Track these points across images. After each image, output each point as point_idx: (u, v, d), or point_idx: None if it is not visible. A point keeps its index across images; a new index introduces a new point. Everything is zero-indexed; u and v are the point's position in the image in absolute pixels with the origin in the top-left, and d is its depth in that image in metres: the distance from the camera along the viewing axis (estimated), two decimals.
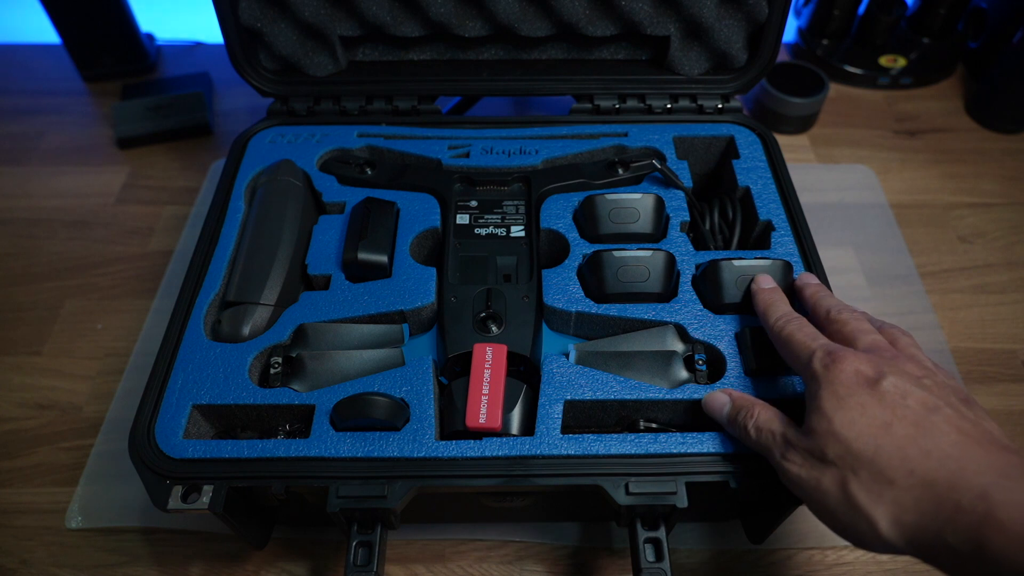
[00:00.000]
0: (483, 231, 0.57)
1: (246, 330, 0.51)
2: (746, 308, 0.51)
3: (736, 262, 0.52)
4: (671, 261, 0.53)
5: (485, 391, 0.46)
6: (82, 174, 0.81)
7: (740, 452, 0.45)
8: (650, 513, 0.44)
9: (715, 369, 0.50)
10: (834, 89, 0.91)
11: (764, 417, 0.42)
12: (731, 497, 0.44)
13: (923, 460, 0.34)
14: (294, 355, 0.50)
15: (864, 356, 0.39)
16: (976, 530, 0.31)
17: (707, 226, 0.60)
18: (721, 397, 0.45)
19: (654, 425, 0.49)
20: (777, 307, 0.47)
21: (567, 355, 0.50)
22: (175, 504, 0.43)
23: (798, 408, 0.47)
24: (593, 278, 0.53)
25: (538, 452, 0.45)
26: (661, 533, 0.44)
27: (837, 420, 0.37)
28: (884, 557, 0.54)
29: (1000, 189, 0.81)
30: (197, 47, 0.98)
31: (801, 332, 0.43)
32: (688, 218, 0.58)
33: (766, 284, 0.50)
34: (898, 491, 0.34)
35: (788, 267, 0.52)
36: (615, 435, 0.45)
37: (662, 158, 0.61)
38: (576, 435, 0.45)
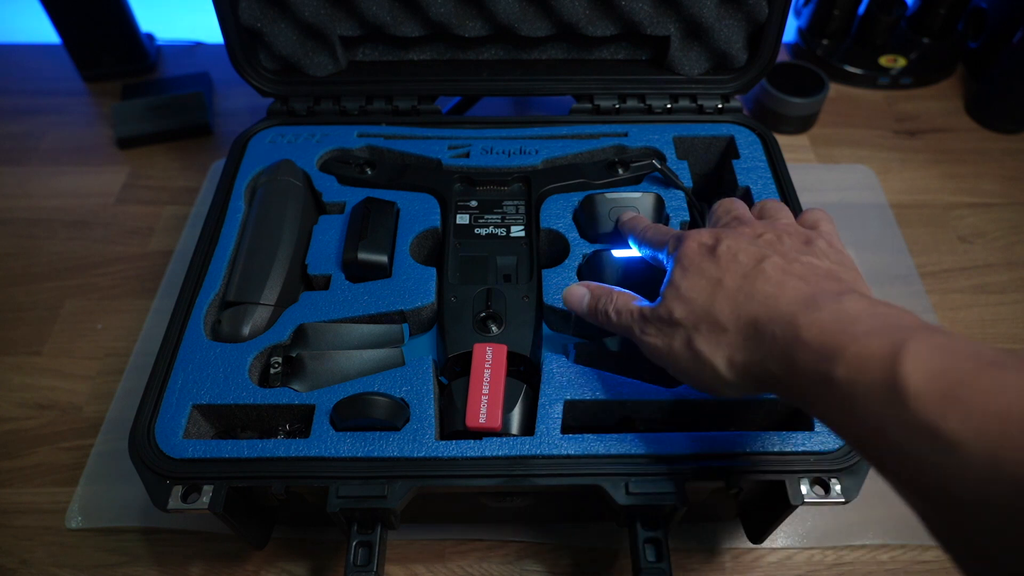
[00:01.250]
0: (483, 231, 0.57)
1: (246, 330, 0.51)
2: None
3: None
4: None
5: (485, 391, 0.46)
6: (82, 174, 0.81)
7: (740, 452, 0.45)
8: (650, 513, 0.44)
9: None
10: (834, 89, 0.91)
11: (622, 301, 0.45)
12: (731, 497, 0.44)
13: (747, 303, 0.37)
14: (294, 355, 0.50)
15: (707, 231, 0.43)
16: (787, 353, 0.34)
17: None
18: (579, 290, 0.48)
19: (654, 425, 0.49)
20: (638, 223, 0.51)
21: (567, 355, 0.50)
22: (175, 504, 0.43)
23: (799, 410, 0.48)
24: (593, 278, 0.53)
25: (538, 452, 0.45)
26: (661, 533, 0.44)
27: (682, 286, 0.40)
28: (884, 557, 0.54)
29: (1000, 189, 0.81)
30: (197, 47, 0.98)
31: (653, 230, 0.48)
32: (688, 218, 0.58)
33: (627, 216, 0.54)
34: (730, 335, 0.37)
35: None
36: (615, 435, 0.45)
37: (662, 158, 0.61)
38: (576, 435, 0.45)
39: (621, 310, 0.44)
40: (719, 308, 0.38)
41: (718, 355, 0.38)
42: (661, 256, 0.46)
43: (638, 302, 0.44)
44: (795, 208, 0.57)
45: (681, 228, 0.57)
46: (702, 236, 0.42)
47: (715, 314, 0.38)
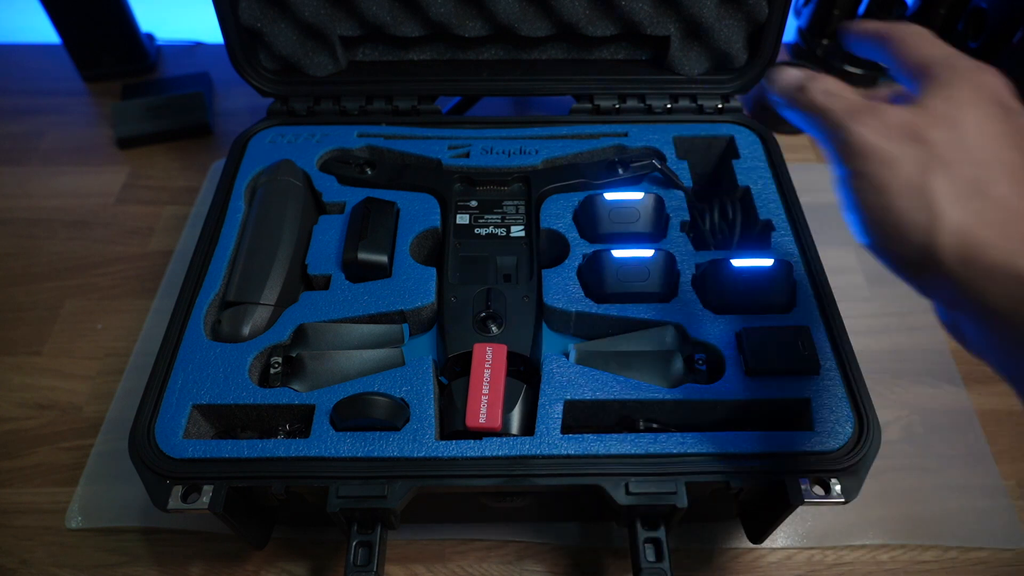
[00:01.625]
0: (483, 231, 0.57)
1: (246, 330, 0.51)
2: (746, 308, 0.51)
3: (736, 262, 0.52)
4: (671, 261, 0.53)
5: (485, 391, 0.46)
6: (82, 174, 0.81)
7: (740, 452, 0.45)
8: (650, 513, 0.44)
9: (715, 369, 0.50)
10: None
11: (838, 84, 0.35)
12: (731, 497, 0.44)
13: None
14: (294, 355, 0.50)
15: (1008, 86, 0.33)
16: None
17: (707, 226, 0.60)
18: (792, 70, 0.36)
19: (654, 425, 0.49)
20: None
21: (567, 355, 0.50)
22: (175, 504, 0.43)
23: (800, 410, 0.48)
24: (593, 278, 0.53)
25: (538, 452, 0.45)
26: (661, 533, 0.44)
27: (968, 112, 0.31)
28: (884, 557, 0.54)
29: None
30: (197, 47, 0.98)
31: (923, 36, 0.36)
32: (688, 218, 0.58)
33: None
34: (990, 206, 0.30)
35: (789, 267, 0.52)
36: (615, 435, 0.45)
37: (662, 158, 0.61)
38: (576, 435, 0.45)
39: (833, 90, 0.34)
40: (999, 170, 0.30)
41: (955, 211, 0.29)
42: (930, 60, 0.34)
43: (864, 94, 0.34)
44: (795, 207, 0.57)
45: (681, 228, 0.57)
46: (1002, 84, 0.33)
47: (990, 173, 0.30)
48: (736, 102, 0.66)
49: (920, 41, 0.35)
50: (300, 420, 0.48)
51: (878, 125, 0.32)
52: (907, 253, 0.31)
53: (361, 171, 0.61)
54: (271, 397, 0.47)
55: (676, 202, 0.59)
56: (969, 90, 0.32)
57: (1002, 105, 0.32)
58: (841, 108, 0.33)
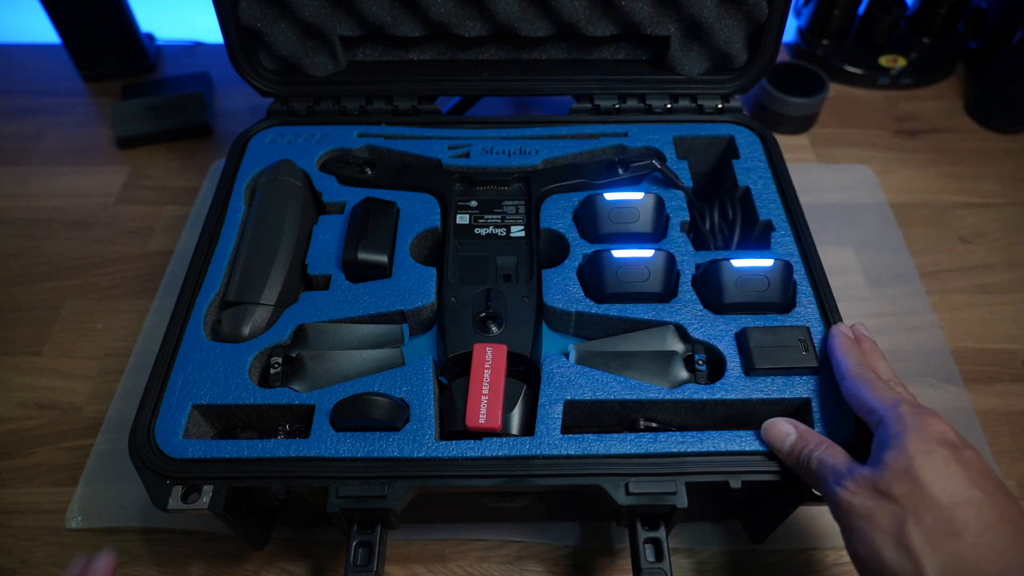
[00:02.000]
0: (483, 231, 0.57)
1: (246, 330, 0.51)
2: (746, 308, 0.51)
3: (736, 262, 0.52)
4: (671, 261, 0.53)
5: (485, 391, 0.46)
6: (82, 174, 0.81)
7: (740, 452, 0.45)
8: (650, 513, 0.44)
9: (715, 369, 0.50)
10: (834, 89, 0.91)
11: (830, 452, 0.41)
12: (731, 497, 0.44)
13: (1000, 526, 0.34)
14: (294, 355, 0.50)
15: (949, 425, 0.39)
16: None
17: (707, 226, 0.60)
18: (785, 427, 0.44)
19: (654, 425, 0.49)
20: (855, 351, 0.46)
21: (567, 355, 0.50)
22: (175, 504, 0.43)
23: (800, 410, 0.48)
24: (593, 278, 0.53)
25: (538, 452, 0.45)
26: (661, 533, 0.44)
27: (918, 462, 0.36)
28: None
29: (1000, 189, 0.81)
30: (197, 47, 0.98)
31: (881, 381, 0.43)
32: (688, 218, 0.58)
33: (846, 331, 0.48)
34: (964, 545, 0.34)
35: (789, 267, 0.52)
36: (615, 435, 0.45)
37: (662, 158, 0.61)
38: (576, 435, 0.45)
39: (825, 461, 0.40)
40: (964, 510, 0.35)
41: (933, 553, 0.34)
42: (878, 408, 0.41)
43: (845, 456, 0.40)
44: (795, 207, 0.57)
45: (681, 228, 0.57)
46: (947, 427, 0.39)
47: (955, 513, 0.35)
48: (736, 102, 0.66)
49: (869, 387, 0.42)
50: (300, 420, 0.48)
51: (854, 486, 0.38)
52: None
53: (361, 171, 0.61)
54: (271, 397, 0.47)
55: (676, 202, 0.59)
56: (917, 439, 0.37)
57: (949, 445, 0.37)
58: (828, 474, 0.40)
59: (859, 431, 0.45)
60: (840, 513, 0.39)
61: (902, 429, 0.38)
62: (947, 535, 0.34)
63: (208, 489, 0.43)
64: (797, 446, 0.43)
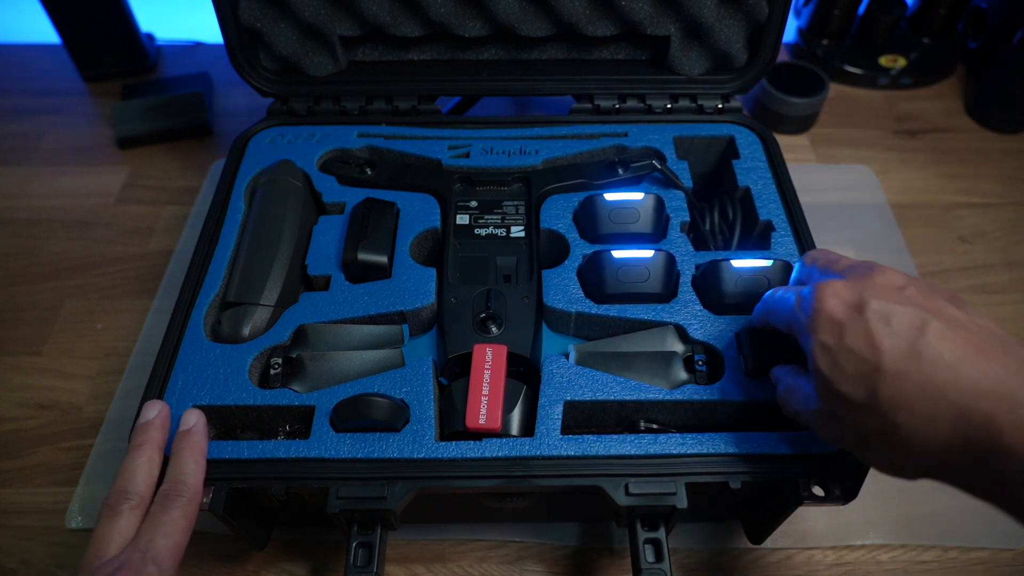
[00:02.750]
0: (483, 231, 0.57)
1: (246, 331, 0.51)
2: (746, 308, 0.51)
3: (736, 263, 0.52)
4: (671, 261, 0.53)
5: (485, 392, 0.46)
6: (82, 174, 0.81)
7: (740, 453, 0.45)
8: (650, 513, 0.44)
9: (715, 369, 0.50)
10: (834, 89, 0.91)
11: (785, 398, 0.42)
12: (731, 497, 0.44)
13: (918, 396, 0.32)
14: (294, 356, 0.50)
15: (840, 282, 0.37)
16: (984, 458, 0.30)
17: (707, 226, 0.60)
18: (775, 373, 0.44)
19: (654, 426, 0.49)
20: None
21: (567, 356, 0.50)
22: None
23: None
24: (593, 278, 0.53)
25: (538, 453, 0.45)
26: (661, 534, 0.44)
27: (832, 377, 0.35)
28: (884, 557, 0.54)
29: (1000, 189, 0.81)
30: (197, 47, 0.97)
31: (778, 292, 0.43)
32: (688, 218, 0.58)
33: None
34: (904, 433, 0.33)
35: (788, 267, 0.52)
36: (615, 436, 0.45)
37: (662, 158, 0.61)
38: (576, 436, 0.45)
39: (800, 411, 0.41)
40: (883, 405, 0.33)
41: (891, 452, 0.34)
42: (787, 322, 0.41)
43: (799, 394, 0.41)
44: (795, 207, 0.57)
45: (681, 228, 0.57)
46: (838, 290, 0.36)
47: (880, 410, 0.33)
48: (736, 102, 0.66)
49: (777, 295, 0.42)
50: (300, 421, 0.48)
51: (825, 425, 0.39)
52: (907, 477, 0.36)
53: (361, 171, 0.61)
54: (271, 398, 0.47)
55: (676, 202, 0.58)
56: (819, 344, 0.36)
57: (849, 311, 0.35)
58: (807, 421, 0.41)
59: None
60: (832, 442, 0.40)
61: (808, 343, 0.37)
62: (888, 432, 0.34)
63: (208, 490, 0.43)
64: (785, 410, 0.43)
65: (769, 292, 0.45)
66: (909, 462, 0.34)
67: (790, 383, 0.42)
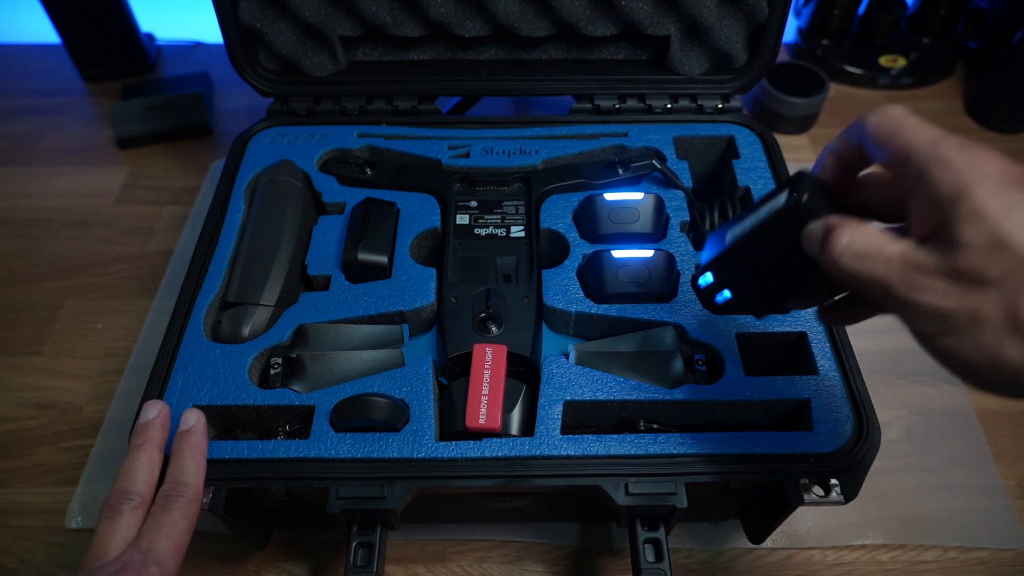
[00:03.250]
0: (483, 231, 0.57)
1: (246, 331, 0.51)
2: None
3: None
4: (671, 261, 0.53)
5: (485, 392, 0.46)
6: (82, 174, 0.81)
7: (740, 453, 0.45)
8: (650, 513, 0.44)
9: (714, 370, 0.50)
10: (834, 89, 0.91)
11: (865, 238, 0.31)
12: (731, 497, 0.44)
13: None
14: (294, 356, 0.50)
15: (1001, 157, 0.29)
16: None
17: (707, 226, 0.60)
18: (814, 227, 0.33)
19: (654, 426, 0.49)
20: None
21: (567, 355, 0.50)
22: None
23: (800, 410, 0.47)
24: (593, 278, 0.53)
25: (538, 453, 0.45)
26: (661, 533, 0.44)
27: (1006, 225, 0.27)
28: (884, 557, 0.54)
29: None
30: (197, 47, 0.98)
31: (907, 117, 0.32)
32: (688, 218, 0.58)
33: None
34: None
35: None
36: (615, 435, 0.45)
37: (662, 158, 0.61)
38: (576, 435, 0.45)
39: (866, 253, 0.31)
40: None
41: (1016, 341, 0.27)
42: (913, 151, 0.30)
43: (892, 238, 0.31)
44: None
45: (681, 228, 0.57)
46: (1001, 160, 0.29)
47: None
48: (736, 102, 0.66)
49: (898, 128, 0.32)
50: (300, 421, 0.48)
51: (941, 286, 0.29)
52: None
53: (361, 171, 0.61)
54: (271, 398, 0.47)
55: (676, 202, 0.59)
56: (988, 192, 0.28)
57: (1017, 177, 0.28)
58: (888, 277, 0.30)
59: (859, 427, 0.45)
60: (926, 322, 0.30)
61: (960, 181, 0.28)
62: None
63: (208, 490, 0.43)
64: (819, 242, 0.33)
65: (877, 111, 0.33)
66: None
67: (853, 225, 0.32)
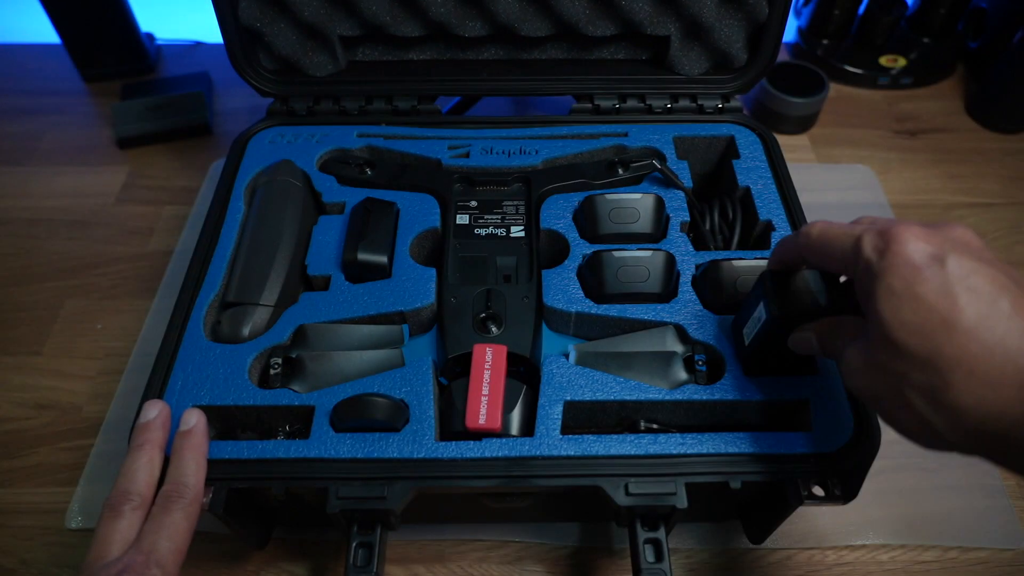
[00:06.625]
0: (483, 231, 0.57)
1: (246, 331, 0.51)
2: None
3: (736, 262, 0.52)
4: (671, 261, 0.53)
5: (485, 392, 0.46)
6: (82, 174, 0.81)
7: (740, 453, 0.45)
8: (650, 514, 0.44)
9: (715, 370, 0.50)
10: (834, 89, 0.91)
11: (830, 330, 0.39)
12: (731, 497, 0.44)
13: (985, 358, 0.30)
14: (294, 356, 0.50)
15: (920, 227, 0.34)
16: None
17: (707, 226, 0.60)
18: (804, 336, 0.41)
19: (654, 426, 0.49)
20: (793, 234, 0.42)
21: (567, 355, 0.50)
22: None
23: (800, 410, 0.47)
24: (593, 278, 0.53)
25: (538, 453, 0.45)
26: (661, 534, 0.44)
27: (893, 324, 0.32)
28: (884, 557, 0.54)
29: (1000, 189, 0.81)
30: (197, 47, 0.98)
31: (836, 225, 0.38)
32: (688, 218, 0.58)
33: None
34: (958, 394, 0.31)
35: None
36: (615, 436, 0.45)
37: (662, 158, 0.61)
38: (576, 436, 0.45)
39: (842, 350, 0.37)
40: (942, 361, 0.31)
41: (934, 413, 0.32)
42: (845, 256, 0.37)
43: (851, 338, 0.37)
44: (795, 207, 0.57)
45: (681, 228, 0.57)
46: (919, 234, 0.33)
47: (937, 367, 0.31)
48: (736, 102, 0.66)
49: (823, 234, 0.39)
50: (300, 421, 0.48)
51: (861, 373, 0.35)
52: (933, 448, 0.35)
53: (361, 171, 0.61)
54: (271, 398, 0.47)
55: (676, 202, 0.58)
56: (887, 289, 0.33)
57: (929, 262, 0.32)
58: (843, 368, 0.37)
59: (859, 427, 0.45)
60: (858, 396, 0.37)
61: (872, 283, 0.34)
62: (940, 388, 0.31)
63: (208, 490, 0.43)
64: (824, 349, 0.40)
65: (805, 228, 0.40)
66: (950, 426, 0.32)
67: (837, 318, 0.39)
